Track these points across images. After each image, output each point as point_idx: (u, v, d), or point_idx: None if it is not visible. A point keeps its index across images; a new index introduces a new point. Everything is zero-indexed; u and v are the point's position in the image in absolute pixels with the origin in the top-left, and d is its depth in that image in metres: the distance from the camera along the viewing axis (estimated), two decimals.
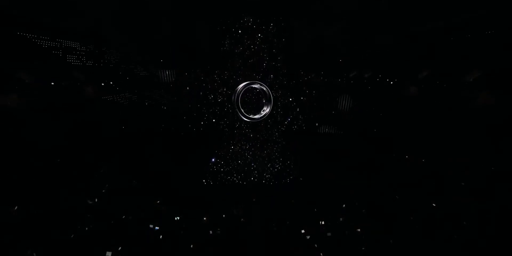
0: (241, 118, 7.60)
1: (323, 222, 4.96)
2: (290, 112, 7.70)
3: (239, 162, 7.44)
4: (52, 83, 6.49)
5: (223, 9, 6.86)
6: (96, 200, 5.57)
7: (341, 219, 5.06)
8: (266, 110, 7.82)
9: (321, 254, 4.21)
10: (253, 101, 8.13)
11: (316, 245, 4.40)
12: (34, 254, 3.84)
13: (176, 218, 5.03)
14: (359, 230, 4.63)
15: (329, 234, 4.65)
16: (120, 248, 4.03)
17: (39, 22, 5.35)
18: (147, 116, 7.76)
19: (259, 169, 7.38)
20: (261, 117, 7.95)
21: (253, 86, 7.89)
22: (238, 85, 7.55)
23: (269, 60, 7.45)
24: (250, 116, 8.02)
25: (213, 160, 7.40)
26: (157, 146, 7.80)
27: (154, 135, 7.82)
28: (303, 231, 4.69)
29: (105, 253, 3.88)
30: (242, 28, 7.05)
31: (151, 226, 4.61)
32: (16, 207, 4.71)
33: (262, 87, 7.77)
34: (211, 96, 7.62)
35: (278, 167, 7.45)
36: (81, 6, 5.53)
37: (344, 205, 5.54)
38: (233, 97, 7.72)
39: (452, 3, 5.23)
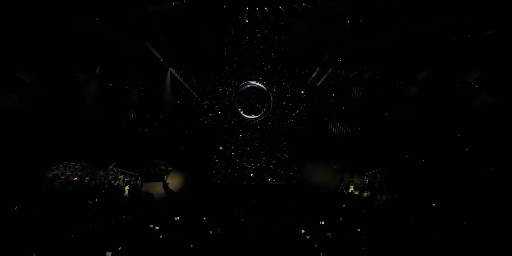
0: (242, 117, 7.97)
1: (323, 222, 4.95)
2: (300, 103, 8.08)
3: (247, 148, 7.90)
4: (52, 83, 6.50)
5: (223, 10, 6.87)
6: (96, 200, 5.58)
7: (341, 219, 5.05)
8: (265, 109, 7.94)
9: (321, 254, 4.20)
10: (253, 101, 8.18)
11: (316, 245, 4.39)
12: (34, 254, 3.84)
13: (176, 218, 5.02)
14: (359, 230, 4.62)
15: (329, 234, 4.64)
16: (120, 248, 4.03)
17: (39, 22, 5.35)
18: (151, 111, 7.97)
19: (266, 155, 7.80)
20: (259, 117, 8.06)
21: (253, 86, 7.95)
22: (237, 88, 7.77)
23: (277, 49, 7.67)
24: (251, 117, 8.11)
25: (221, 148, 7.88)
26: (165, 139, 8.04)
27: (163, 128, 8.10)
28: (303, 231, 4.68)
29: (105, 253, 3.88)
30: (249, 15, 7.23)
31: (151, 226, 4.61)
32: (16, 207, 4.72)
33: (260, 86, 7.83)
34: (220, 89, 7.99)
35: (285, 155, 7.83)
36: (81, 6, 5.53)
37: (344, 205, 5.54)
38: (232, 99, 7.88)
39: (452, 3, 5.24)
